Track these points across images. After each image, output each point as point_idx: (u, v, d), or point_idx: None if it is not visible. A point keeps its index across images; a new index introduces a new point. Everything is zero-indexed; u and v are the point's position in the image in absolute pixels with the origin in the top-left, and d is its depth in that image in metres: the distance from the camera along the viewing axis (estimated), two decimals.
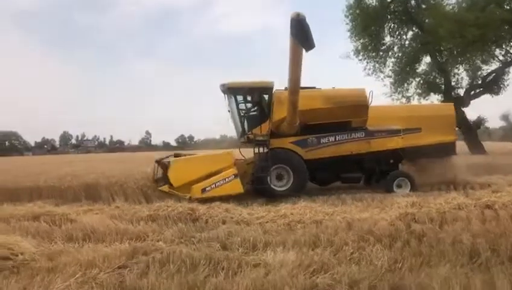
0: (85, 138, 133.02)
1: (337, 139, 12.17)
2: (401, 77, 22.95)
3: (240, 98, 12.47)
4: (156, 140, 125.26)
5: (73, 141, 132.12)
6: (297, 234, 6.74)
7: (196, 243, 6.48)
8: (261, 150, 11.73)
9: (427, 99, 22.31)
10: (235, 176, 10.79)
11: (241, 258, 5.51)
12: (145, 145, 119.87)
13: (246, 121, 12.54)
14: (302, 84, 10.79)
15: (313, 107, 11.69)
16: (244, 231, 7.15)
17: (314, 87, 12.51)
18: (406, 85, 22.80)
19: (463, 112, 22.43)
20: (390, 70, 24.59)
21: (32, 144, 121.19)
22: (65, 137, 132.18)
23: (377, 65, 24.31)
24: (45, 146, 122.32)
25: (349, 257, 5.55)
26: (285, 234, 6.81)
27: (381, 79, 24.65)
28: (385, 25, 23.40)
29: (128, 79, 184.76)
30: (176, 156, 11.68)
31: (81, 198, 11.78)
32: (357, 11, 23.81)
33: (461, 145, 22.90)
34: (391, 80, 24.48)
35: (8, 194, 12.18)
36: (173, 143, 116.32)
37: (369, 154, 12.29)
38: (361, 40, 24.00)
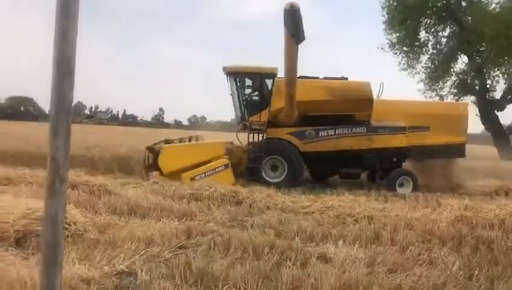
0: (98, 110, 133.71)
1: (337, 133, 11.56)
2: (436, 75, 22.37)
3: (240, 83, 12.06)
4: (168, 118, 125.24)
5: (87, 112, 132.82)
6: (354, 228, 6.45)
7: (250, 227, 6.24)
8: (256, 139, 11.53)
9: (462, 100, 21.70)
10: (226, 166, 10.58)
11: (305, 249, 5.24)
12: (157, 122, 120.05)
13: (245, 107, 12.13)
14: (308, 74, 10.78)
15: (314, 98, 11.29)
16: (294, 219, 6.90)
17: (317, 78, 11.93)
18: (440, 83, 22.22)
19: (497, 116, 21.84)
20: (423, 67, 23.99)
21: (47, 111, 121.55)
22: (79, 107, 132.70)
23: (409, 61, 23.69)
24: None
25: (417, 258, 5.26)
26: (340, 228, 6.52)
27: (413, 75, 24.07)
28: (422, 20, 22.71)
29: (146, 58, 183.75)
30: (167, 142, 11.41)
31: (113, 170, 11.58)
32: (395, 3, 23.16)
33: (490, 150, 22.44)
34: (423, 76, 23.90)
35: (40, 159, 11.99)
36: (185, 122, 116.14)
37: (370, 150, 11.65)
38: (397, 34, 23.37)
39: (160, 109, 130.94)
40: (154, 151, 11.00)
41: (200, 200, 8.04)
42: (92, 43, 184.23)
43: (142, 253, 4.62)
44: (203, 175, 10.22)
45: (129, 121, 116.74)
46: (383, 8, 24.01)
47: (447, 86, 22.37)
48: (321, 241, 5.76)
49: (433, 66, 23.22)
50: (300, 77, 11.14)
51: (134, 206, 7.22)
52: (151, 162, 11.02)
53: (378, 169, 11.84)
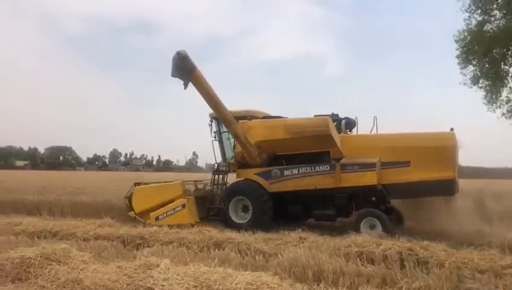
0: (133, 156, 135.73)
1: (300, 172, 10.89)
2: None
3: (222, 126, 11.97)
4: (200, 162, 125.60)
5: (122, 159, 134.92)
6: None
7: None
8: (220, 180, 11.82)
9: None
10: (183, 206, 10.97)
11: None
12: (192, 166, 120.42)
13: (225, 150, 12.35)
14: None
15: (275, 137, 11.02)
16: None
17: (280, 117, 11.77)
18: None
19: None
20: (502, 100, 22.70)
21: (85, 159, 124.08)
22: (114, 154, 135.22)
23: (491, 94, 22.46)
24: (96, 162, 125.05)
25: None
26: None
27: (493, 110, 22.74)
28: (507, 51, 21.61)
29: (173, 101, 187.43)
30: (137, 184, 11.92)
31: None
32: (468, 37, 22.19)
33: None
34: (504, 110, 22.55)
35: None
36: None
37: (340, 190, 10.57)
38: (476, 67, 22.29)
39: (194, 153, 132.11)
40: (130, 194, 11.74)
41: (384, 260, 6.85)
42: (121, 90, 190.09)
43: None
44: (165, 215, 10.88)
45: (164, 166, 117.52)
46: (456, 41, 23.01)
47: None
48: None
49: None
50: (265, 117, 11.79)
51: (316, 271, 6.16)
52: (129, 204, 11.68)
53: (354, 209, 10.85)
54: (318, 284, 5.78)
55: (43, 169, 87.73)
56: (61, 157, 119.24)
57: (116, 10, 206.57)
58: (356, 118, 11.93)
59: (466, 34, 22.43)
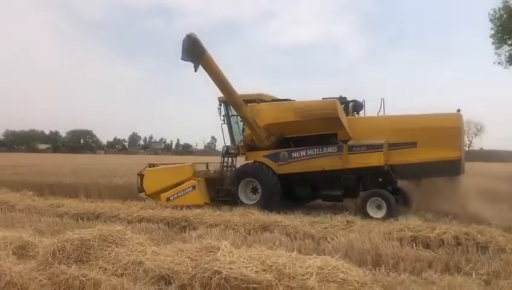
0: (152, 140, 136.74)
1: (308, 153, 11.03)
2: None
3: (231, 110, 12.07)
4: (219, 146, 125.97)
5: (142, 142, 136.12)
6: None
7: None
8: (230, 162, 11.88)
9: None
10: (193, 187, 11.17)
11: None
12: (210, 149, 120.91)
13: (233, 133, 12.44)
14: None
15: (284, 120, 11.08)
16: None
17: (288, 100, 11.92)
18: None
19: None
20: None
21: (104, 142, 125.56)
22: (134, 138, 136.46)
23: None
24: (116, 145, 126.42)
25: None
26: None
27: None
28: None
29: (192, 86, 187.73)
30: (151, 166, 12.24)
31: None
32: (504, 15, 21.43)
33: None
34: None
35: None
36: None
37: (347, 171, 10.70)
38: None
39: (212, 137, 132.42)
40: (141, 175, 11.99)
41: (432, 245, 6.67)
42: (140, 73, 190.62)
43: None
44: (176, 196, 11.08)
45: (184, 150, 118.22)
46: (491, 20, 22.28)
47: None
48: None
49: None
50: (273, 100, 11.91)
51: (375, 255, 6.02)
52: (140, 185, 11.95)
53: (362, 190, 10.91)
54: (378, 269, 5.67)
55: (64, 152, 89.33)
56: (81, 141, 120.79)
57: None
58: (364, 100, 12.01)
59: (502, 12, 21.72)
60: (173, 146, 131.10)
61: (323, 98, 11.42)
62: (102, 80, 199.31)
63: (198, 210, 9.42)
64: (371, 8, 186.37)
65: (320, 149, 10.97)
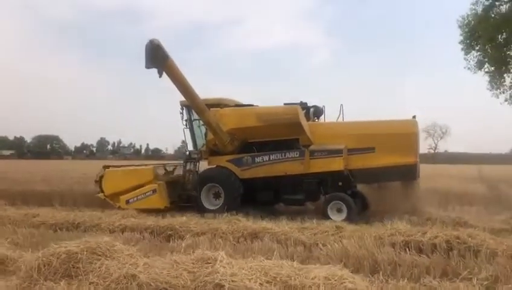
0: (121, 145, 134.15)
1: (271, 158, 11.25)
2: None
3: (193, 114, 12.11)
4: None
5: (110, 147, 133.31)
6: None
7: None
8: (192, 167, 11.91)
9: None
10: (154, 191, 11.19)
11: None
12: (181, 154, 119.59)
13: (196, 137, 12.49)
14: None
15: (247, 125, 11.29)
16: None
17: (251, 105, 12.19)
18: None
19: None
20: (505, 85, 22.75)
21: (72, 148, 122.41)
22: (102, 143, 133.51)
23: (494, 80, 22.49)
24: (84, 151, 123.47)
25: None
26: None
27: (497, 95, 22.83)
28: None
29: (161, 90, 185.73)
30: (105, 167, 12.22)
31: None
32: (472, 22, 22.06)
33: None
34: (507, 96, 22.63)
35: None
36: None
37: (309, 175, 11.00)
38: (480, 53, 22.22)
39: (183, 142, 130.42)
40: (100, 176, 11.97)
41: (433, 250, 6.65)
42: (110, 78, 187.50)
43: None
44: (135, 199, 11.15)
45: (153, 154, 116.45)
46: (460, 27, 22.92)
47: None
48: None
49: None
50: (236, 105, 12.09)
51: (372, 262, 5.96)
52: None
53: (323, 194, 11.25)
54: (376, 276, 5.59)
55: (29, 158, 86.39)
56: (48, 146, 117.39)
57: None
58: (324, 106, 12.38)
59: (470, 19, 22.34)
60: (143, 151, 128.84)
61: (284, 104, 11.63)
62: (69, 83, 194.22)
63: (184, 218, 9.15)
64: (336, 14, 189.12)
65: (283, 154, 11.16)
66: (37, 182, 15.37)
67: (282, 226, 8.26)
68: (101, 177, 11.75)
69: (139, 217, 9.70)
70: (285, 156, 11.16)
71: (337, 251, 6.53)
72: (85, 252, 5.41)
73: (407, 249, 6.65)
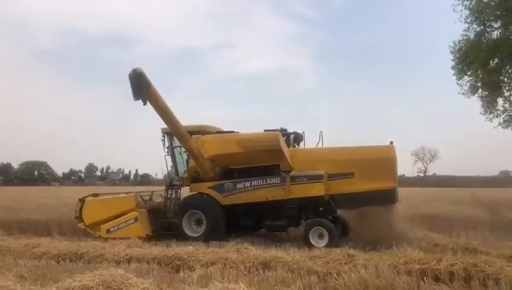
0: (110, 170, 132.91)
1: (252, 184, 11.34)
2: None
3: (175, 141, 12.20)
4: None
5: (98, 173, 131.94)
6: None
7: None
8: (174, 194, 11.86)
9: None
10: (135, 219, 11.15)
11: None
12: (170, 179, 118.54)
13: (177, 164, 12.51)
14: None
15: (228, 151, 11.38)
16: None
17: (232, 132, 12.32)
18: None
19: None
20: (499, 110, 23.20)
21: (60, 173, 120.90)
22: (91, 169, 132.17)
23: (487, 104, 22.93)
24: (72, 177, 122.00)
25: None
26: None
27: (490, 119, 23.23)
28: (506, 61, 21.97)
29: (149, 115, 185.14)
30: (95, 195, 12.20)
31: None
32: (464, 48, 22.56)
33: None
34: (500, 120, 23.06)
35: None
36: None
37: (290, 201, 11.08)
38: (471, 78, 22.69)
39: (172, 167, 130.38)
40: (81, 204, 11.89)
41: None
42: (100, 104, 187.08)
43: None
44: (116, 227, 11.09)
45: (142, 180, 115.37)
46: (452, 52, 23.42)
47: None
48: None
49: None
50: (218, 132, 12.22)
51: None
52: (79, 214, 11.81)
53: (304, 220, 11.32)
54: None
55: (16, 185, 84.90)
56: (35, 173, 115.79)
57: (87, 21, 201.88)
58: (303, 132, 12.60)
59: (462, 44, 22.83)
60: (131, 176, 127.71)
61: (265, 130, 11.85)
62: (57, 109, 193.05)
63: (191, 247, 8.91)
64: (324, 40, 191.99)
65: (264, 180, 11.22)
66: (31, 210, 14.98)
67: (292, 255, 8.09)
68: (83, 203, 11.68)
69: (144, 246, 9.47)
70: (266, 182, 11.22)
71: (355, 281, 6.37)
72: (100, 287, 5.25)
73: (424, 278, 6.58)
